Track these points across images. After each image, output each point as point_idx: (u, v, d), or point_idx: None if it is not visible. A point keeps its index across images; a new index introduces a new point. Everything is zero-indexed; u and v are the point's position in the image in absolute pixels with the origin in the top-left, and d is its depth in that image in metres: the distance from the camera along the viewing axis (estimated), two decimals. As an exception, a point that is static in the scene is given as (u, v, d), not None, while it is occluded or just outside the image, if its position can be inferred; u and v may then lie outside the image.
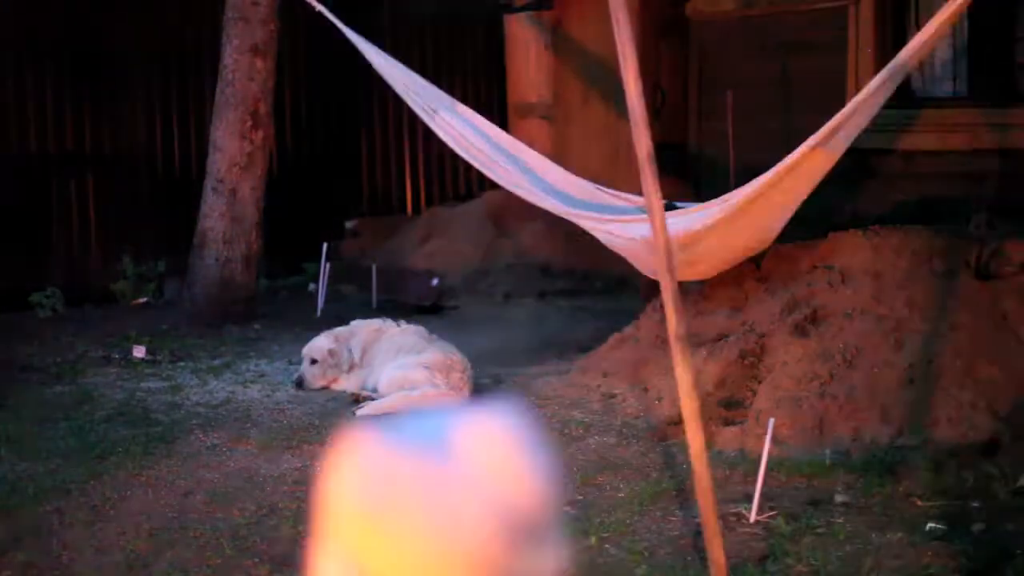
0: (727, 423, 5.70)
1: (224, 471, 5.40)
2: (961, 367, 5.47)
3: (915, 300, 5.87)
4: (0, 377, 7.18)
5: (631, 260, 6.63)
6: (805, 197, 5.96)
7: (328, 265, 9.12)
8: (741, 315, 6.49)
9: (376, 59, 7.45)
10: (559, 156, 11.35)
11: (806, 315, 6.08)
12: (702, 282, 6.89)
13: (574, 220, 6.57)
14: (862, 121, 5.68)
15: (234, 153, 8.64)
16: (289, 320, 8.86)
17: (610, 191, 6.95)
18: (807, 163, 5.65)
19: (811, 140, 5.55)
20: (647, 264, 6.46)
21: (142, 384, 7.09)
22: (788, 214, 6.07)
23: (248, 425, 6.16)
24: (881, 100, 5.60)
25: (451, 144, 6.95)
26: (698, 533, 4.19)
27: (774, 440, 4.75)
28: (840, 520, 4.52)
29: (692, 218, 6.05)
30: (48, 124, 9.67)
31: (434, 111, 7.05)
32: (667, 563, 4.25)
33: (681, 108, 10.43)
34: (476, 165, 6.88)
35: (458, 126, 6.95)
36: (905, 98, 8.91)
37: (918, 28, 8.15)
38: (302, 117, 11.06)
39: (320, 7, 7.69)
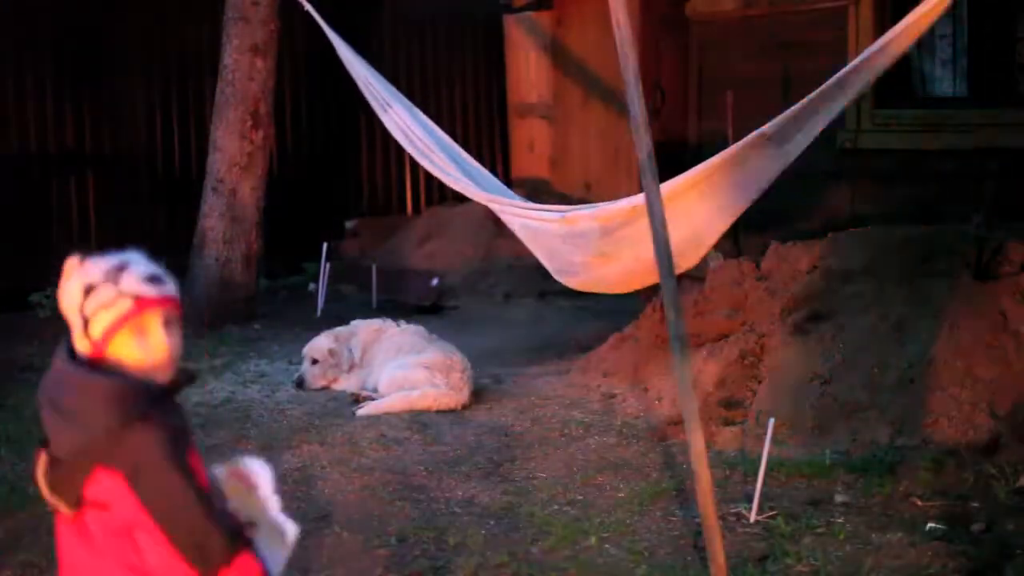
0: (727, 423, 5.70)
1: (224, 471, 5.41)
2: (961, 367, 5.47)
3: (915, 300, 5.87)
4: (0, 377, 7.18)
5: (542, 255, 6.47)
6: (748, 202, 5.55)
7: (328, 265, 9.13)
8: (741, 315, 6.50)
9: (345, 53, 7.62)
10: (559, 156, 11.40)
11: (806, 315, 6.08)
12: (701, 281, 6.89)
13: (492, 206, 6.64)
14: (824, 118, 5.22)
15: (234, 153, 8.65)
16: (289, 320, 8.87)
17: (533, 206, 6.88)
18: (753, 156, 5.34)
19: (759, 131, 5.26)
20: (559, 256, 6.33)
21: (142, 384, 7.09)
22: (726, 218, 5.66)
23: (248, 425, 6.16)
24: (846, 98, 5.19)
25: (397, 136, 7.29)
26: (698, 533, 4.19)
27: (774, 440, 4.75)
28: (840, 520, 4.53)
29: (621, 203, 5.86)
30: (48, 124, 9.67)
31: (389, 105, 7.32)
32: (667, 563, 4.25)
33: (681, 108, 10.43)
34: (416, 156, 7.13)
35: (408, 120, 7.24)
36: (905, 98, 8.92)
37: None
38: (302, 117, 11.07)
39: (309, 7, 7.72)
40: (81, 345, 2.34)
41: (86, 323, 2.33)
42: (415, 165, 11.66)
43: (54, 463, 2.32)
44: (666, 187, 5.50)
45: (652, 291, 6.51)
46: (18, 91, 9.51)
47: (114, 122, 9.99)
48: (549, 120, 11.54)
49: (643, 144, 3.72)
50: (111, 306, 2.33)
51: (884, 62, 5.05)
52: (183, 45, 10.26)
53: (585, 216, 6.00)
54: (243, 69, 8.60)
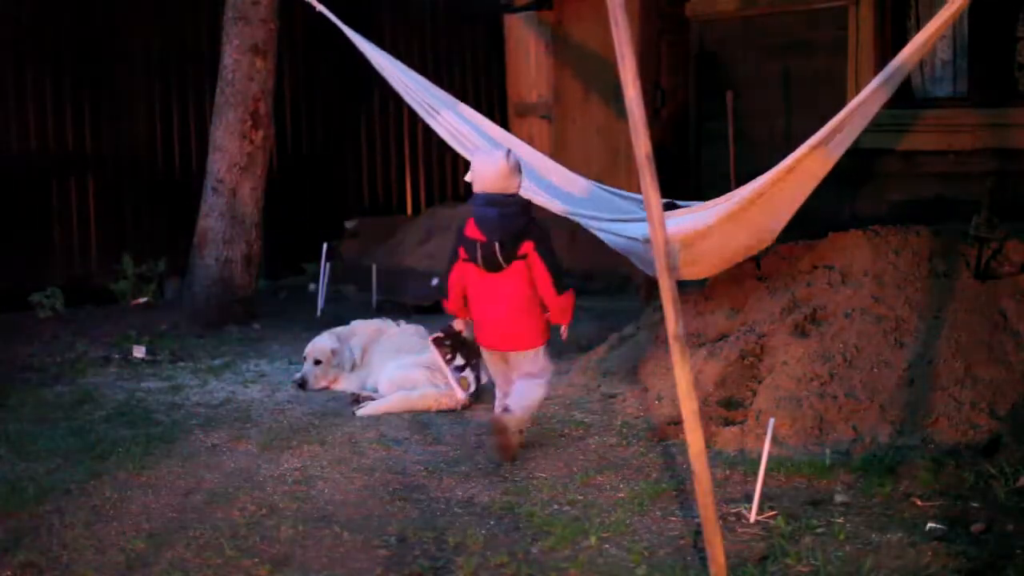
0: (727, 423, 5.70)
1: (224, 471, 5.41)
2: (961, 367, 5.48)
3: (915, 300, 5.87)
4: (0, 377, 7.18)
5: (633, 260, 6.64)
6: (805, 198, 5.96)
7: (328, 265, 9.13)
8: (741, 315, 6.49)
9: (379, 59, 7.48)
10: (559, 155, 11.36)
11: (806, 315, 6.08)
12: (702, 282, 6.90)
13: (575, 219, 6.60)
14: (861, 122, 5.71)
15: (234, 153, 8.65)
16: (289, 320, 8.88)
17: (611, 189, 6.96)
18: (807, 163, 5.67)
19: (811, 140, 5.58)
20: (648, 264, 6.47)
21: (142, 384, 7.10)
22: (788, 214, 6.07)
23: (248, 425, 6.17)
24: (881, 101, 5.62)
25: (452, 143, 7.07)
26: (698, 533, 4.20)
27: (774, 440, 4.76)
28: (840, 520, 4.53)
29: (694, 217, 6.06)
30: (48, 124, 9.68)
31: (436, 111, 7.13)
32: (667, 563, 4.25)
33: (681, 108, 10.43)
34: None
35: (460, 125, 7.05)
36: (905, 98, 8.91)
37: (918, 28, 8.14)
38: (302, 117, 11.07)
39: (322, 8, 7.70)
40: (511, 188, 5.35)
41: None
42: (415, 165, 11.69)
43: (502, 246, 5.32)
44: (732, 202, 5.84)
45: (652, 291, 6.51)
46: (18, 91, 9.52)
47: (114, 122, 10.00)
48: (549, 119, 11.54)
49: (642, 144, 3.72)
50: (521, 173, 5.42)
51: (914, 61, 5.58)
52: (183, 45, 10.26)
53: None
54: (243, 69, 8.60)
